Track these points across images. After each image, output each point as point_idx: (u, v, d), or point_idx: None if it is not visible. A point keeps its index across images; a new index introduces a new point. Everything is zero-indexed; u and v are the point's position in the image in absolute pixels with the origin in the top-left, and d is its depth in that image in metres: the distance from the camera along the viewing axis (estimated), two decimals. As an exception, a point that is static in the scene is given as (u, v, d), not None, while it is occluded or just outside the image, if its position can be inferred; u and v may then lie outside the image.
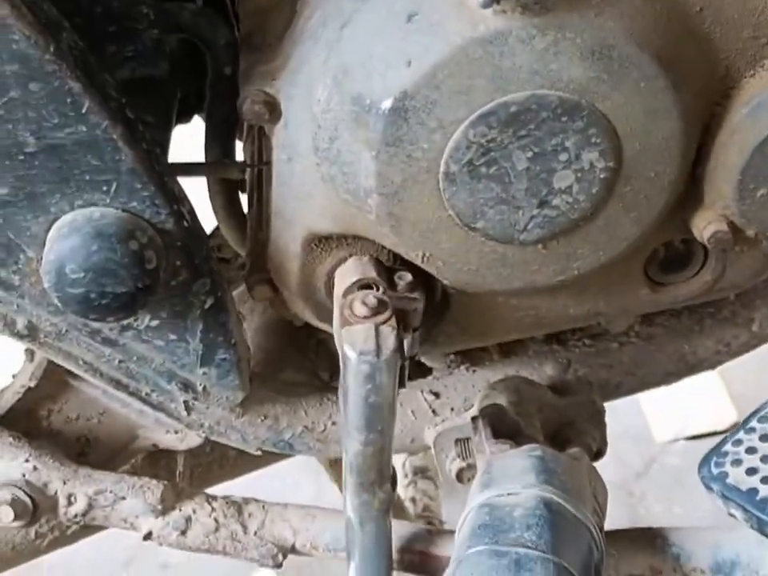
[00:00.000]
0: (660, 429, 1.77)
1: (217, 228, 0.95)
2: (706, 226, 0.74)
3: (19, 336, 0.80)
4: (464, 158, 0.67)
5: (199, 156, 0.87)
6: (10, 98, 0.67)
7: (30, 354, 0.89)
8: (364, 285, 0.75)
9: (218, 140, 0.85)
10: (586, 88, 0.65)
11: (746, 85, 0.69)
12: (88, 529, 0.97)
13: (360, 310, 0.71)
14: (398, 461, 1.40)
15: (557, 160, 0.68)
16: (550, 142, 0.67)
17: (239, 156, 0.87)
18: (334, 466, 1.26)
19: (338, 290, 0.77)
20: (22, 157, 0.70)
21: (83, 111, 0.68)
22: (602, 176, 0.69)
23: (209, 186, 0.91)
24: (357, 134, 0.68)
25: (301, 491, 1.58)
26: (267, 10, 0.80)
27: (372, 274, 0.76)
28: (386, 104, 0.66)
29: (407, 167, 0.68)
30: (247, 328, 0.96)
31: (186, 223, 0.75)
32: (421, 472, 1.42)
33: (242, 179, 0.86)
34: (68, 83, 0.67)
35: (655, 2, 0.65)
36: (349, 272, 0.77)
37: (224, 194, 0.91)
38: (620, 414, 0.93)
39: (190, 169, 0.85)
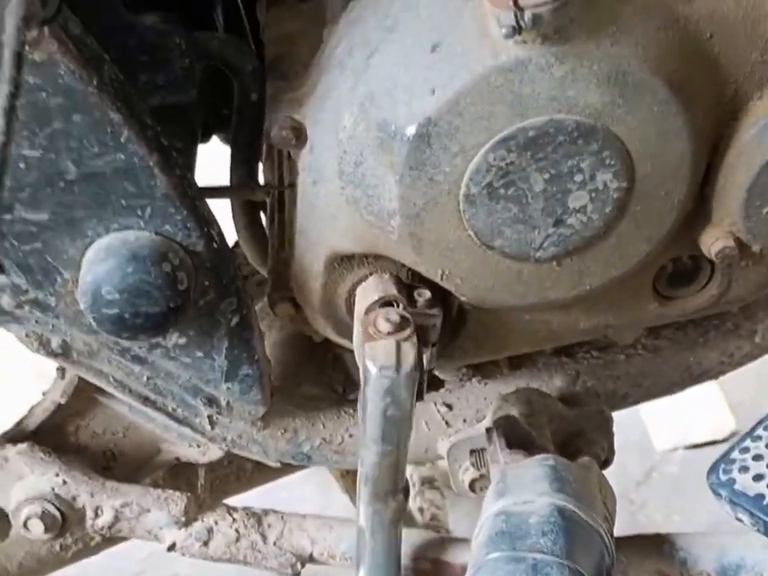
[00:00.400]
0: (660, 438, 1.80)
1: (235, 245, 0.99)
2: (713, 242, 0.78)
3: (53, 355, 0.83)
4: (484, 181, 0.71)
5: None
6: (53, 129, 0.70)
7: (62, 371, 0.92)
8: (386, 302, 0.79)
9: (243, 163, 0.89)
10: (601, 112, 0.69)
11: (753, 107, 0.73)
12: (110, 540, 1.00)
13: (383, 326, 0.74)
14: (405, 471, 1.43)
15: (572, 181, 0.71)
16: (566, 164, 0.71)
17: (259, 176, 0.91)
18: (345, 477, 1.29)
19: (360, 307, 0.80)
20: (62, 184, 0.73)
21: (122, 140, 0.71)
22: (615, 196, 0.72)
23: (232, 206, 0.94)
24: (381, 158, 0.72)
25: (307, 503, 1.61)
26: (293, 36, 0.83)
27: (393, 291, 0.79)
28: (411, 130, 0.70)
29: (429, 190, 0.72)
30: (266, 343, 0.99)
31: (215, 245, 0.79)
32: (428, 482, 1.45)
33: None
34: (109, 114, 0.70)
35: (668, 29, 0.69)
36: (371, 289, 0.81)
37: (246, 215, 0.94)
38: (620, 424, 0.96)
39: (217, 192, 0.88)
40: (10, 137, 0.70)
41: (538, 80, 0.67)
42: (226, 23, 0.94)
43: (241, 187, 0.89)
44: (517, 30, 0.64)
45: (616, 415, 0.97)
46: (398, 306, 0.78)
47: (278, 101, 0.80)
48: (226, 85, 0.88)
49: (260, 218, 0.97)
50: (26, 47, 0.66)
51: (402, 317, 0.75)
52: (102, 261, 0.75)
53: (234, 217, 0.96)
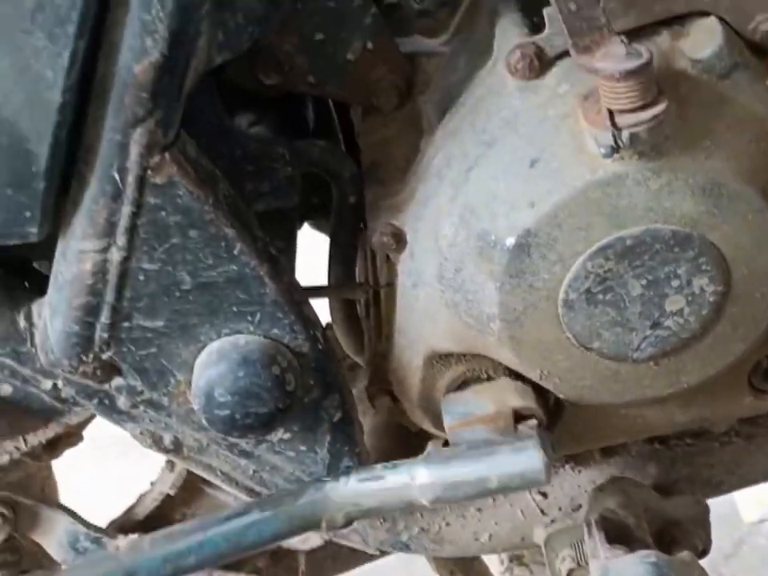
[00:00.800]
0: (748, 510, 1.79)
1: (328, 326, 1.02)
2: (806, 340, 0.79)
3: (165, 451, 0.87)
4: (582, 287, 0.73)
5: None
6: (171, 244, 0.75)
7: (171, 464, 0.96)
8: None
9: (342, 262, 0.93)
10: (697, 221, 0.71)
11: (843, 210, 0.74)
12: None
13: None
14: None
15: (669, 286, 0.73)
16: (663, 270, 0.73)
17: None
18: (438, 559, 1.30)
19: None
20: (178, 294, 0.77)
21: (235, 253, 0.76)
22: (711, 299, 0.74)
23: (329, 300, 0.98)
24: (481, 266, 0.75)
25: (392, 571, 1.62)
26: (388, 142, 0.87)
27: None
28: (510, 241, 0.73)
29: (528, 296, 0.75)
30: (364, 427, 1.02)
31: (320, 346, 0.82)
32: (516, 559, 1.45)
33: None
34: (223, 230, 0.74)
35: (759, 141, 0.71)
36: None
37: (343, 309, 0.98)
38: (708, 497, 0.97)
39: (318, 291, 0.92)
40: (131, 252, 0.75)
41: (635, 193, 0.70)
42: (317, 126, 0.99)
43: (340, 286, 0.93)
44: (615, 148, 0.66)
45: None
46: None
47: (378, 207, 0.83)
48: (317, 178, 0.92)
49: (356, 311, 1.00)
50: (149, 172, 0.71)
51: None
52: (215, 364, 0.79)
53: (330, 309, 1.00)
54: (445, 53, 0.85)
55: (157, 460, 1.00)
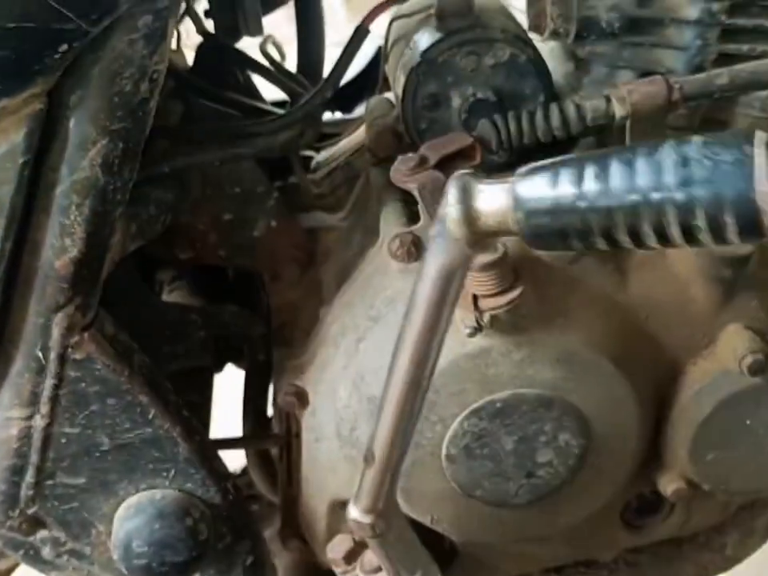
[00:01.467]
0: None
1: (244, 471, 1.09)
2: (668, 483, 0.88)
3: (90, 598, 0.93)
4: (461, 443, 0.82)
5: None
6: (90, 411, 0.82)
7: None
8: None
9: (254, 414, 1.01)
10: (556, 386, 0.81)
11: (689, 371, 0.85)
12: None
13: None
14: None
15: (538, 441, 0.83)
16: (531, 428, 0.82)
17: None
18: None
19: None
20: (98, 454, 0.85)
21: (149, 417, 0.83)
22: (576, 451, 0.83)
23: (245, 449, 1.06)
24: (372, 426, 0.83)
25: None
26: (294, 305, 0.96)
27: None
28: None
29: (416, 452, 0.83)
30: (278, 565, 1.08)
31: (230, 496, 0.90)
32: None
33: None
34: (138, 397, 0.82)
35: (609, 315, 0.81)
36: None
37: (258, 453, 1.06)
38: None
39: (231, 443, 1.00)
40: (54, 419, 0.82)
41: (501, 363, 0.79)
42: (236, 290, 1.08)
43: (252, 437, 1.01)
44: (478, 329, 0.76)
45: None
46: None
47: (283, 367, 0.92)
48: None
49: (270, 455, 1.08)
50: (69, 349, 0.79)
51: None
52: (132, 517, 0.86)
53: (246, 453, 1.08)
54: (342, 228, 0.96)
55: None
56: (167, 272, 1.13)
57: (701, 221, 0.46)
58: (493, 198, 0.53)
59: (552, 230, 0.51)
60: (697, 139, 0.47)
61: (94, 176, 0.72)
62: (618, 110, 0.79)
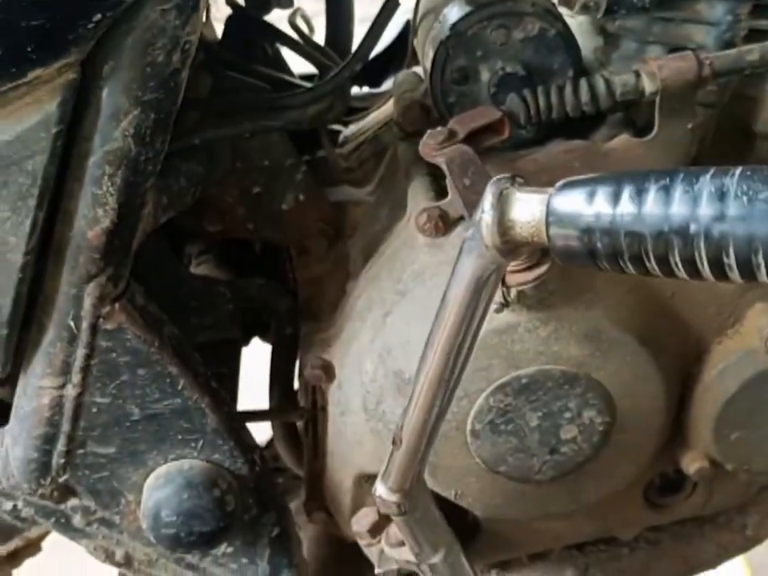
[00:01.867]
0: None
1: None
2: (691, 462, 0.88)
3: (118, 564, 0.94)
4: (486, 419, 0.83)
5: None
6: (121, 381, 0.83)
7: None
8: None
9: (280, 387, 1.02)
10: (582, 363, 0.81)
11: (714, 350, 0.85)
12: None
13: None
14: None
15: (562, 417, 0.83)
16: (556, 404, 0.82)
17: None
18: None
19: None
20: (128, 424, 0.86)
21: (179, 388, 0.84)
22: (600, 428, 0.84)
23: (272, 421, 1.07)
24: (399, 400, 0.84)
25: None
26: (321, 280, 0.97)
27: None
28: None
29: (441, 427, 0.84)
30: (303, 537, 1.09)
31: (257, 468, 0.91)
32: None
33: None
34: (168, 368, 0.83)
35: (635, 292, 0.81)
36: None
37: (284, 426, 1.07)
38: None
39: (258, 416, 1.01)
40: (85, 389, 0.83)
41: (527, 339, 0.80)
42: (262, 258, 1.09)
43: (279, 410, 1.02)
44: (505, 304, 0.76)
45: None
46: None
47: (310, 341, 0.93)
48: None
49: (296, 428, 1.09)
50: (101, 320, 0.80)
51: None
52: (162, 487, 0.88)
53: (272, 426, 1.09)
54: (370, 202, 0.96)
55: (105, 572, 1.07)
56: (195, 245, 1.13)
57: (732, 258, 0.45)
58: (528, 209, 0.53)
59: (583, 249, 0.51)
60: (737, 172, 0.46)
61: (126, 146, 0.73)
62: (648, 86, 0.79)
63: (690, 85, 0.78)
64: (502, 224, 0.51)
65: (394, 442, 0.74)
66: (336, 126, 1.05)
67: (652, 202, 0.46)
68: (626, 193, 0.47)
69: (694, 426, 0.87)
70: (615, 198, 0.47)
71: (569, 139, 0.86)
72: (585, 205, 0.48)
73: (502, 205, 0.51)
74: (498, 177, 0.53)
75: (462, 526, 0.92)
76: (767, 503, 1.05)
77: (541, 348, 0.80)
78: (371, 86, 1.13)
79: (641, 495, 0.94)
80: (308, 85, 1.01)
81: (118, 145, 0.73)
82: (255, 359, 1.14)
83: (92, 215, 0.76)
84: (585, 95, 0.80)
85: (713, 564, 1.07)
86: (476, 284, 0.55)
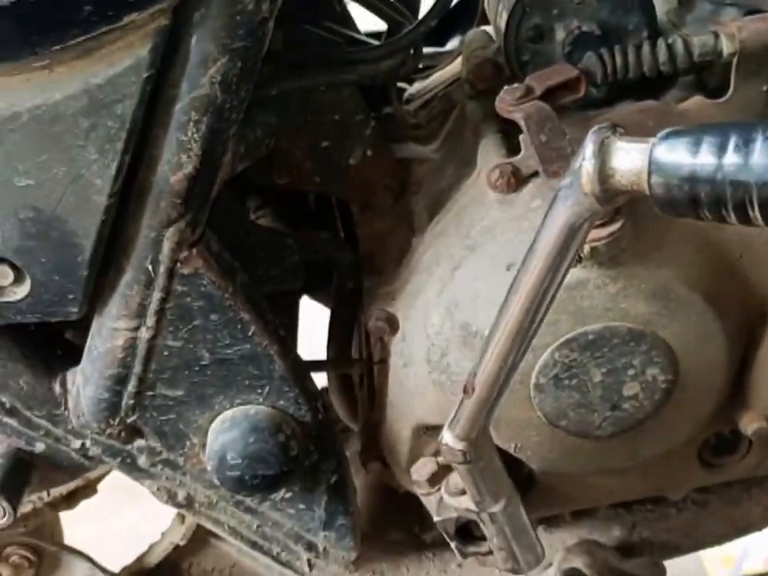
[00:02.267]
0: (714, 567, 1.88)
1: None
2: (749, 423, 0.90)
3: (179, 506, 0.97)
4: (551, 373, 0.84)
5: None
6: (194, 326, 0.85)
7: (182, 516, 1.06)
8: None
9: (340, 339, 1.04)
10: (649, 320, 0.82)
11: (778, 312, 0.86)
12: None
13: None
14: None
15: (626, 374, 0.84)
16: (620, 361, 0.84)
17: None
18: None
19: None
20: (197, 368, 0.88)
21: (249, 334, 0.86)
22: (662, 386, 0.85)
23: (327, 372, 1.09)
24: (464, 352, 0.86)
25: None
26: (383, 235, 0.98)
27: None
28: (487, 335, 0.83)
29: (505, 381, 0.85)
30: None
31: (320, 416, 0.93)
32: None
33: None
34: (240, 314, 0.85)
35: (703, 252, 0.83)
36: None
37: (339, 379, 1.09)
38: (676, 556, 1.08)
39: (317, 366, 1.03)
40: (158, 332, 0.86)
41: (596, 295, 0.81)
42: (318, 215, 1.11)
43: (337, 361, 1.04)
44: (578, 260, 0.78)
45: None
46: None
47: (374, 294, 0.95)
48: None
49: (351, 381, 1.11)
50: (178, 264, 0.82)
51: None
52: (228, 431, 0.90)
53: (328, 379, 1.11)
54: (435, 159, 0.97)
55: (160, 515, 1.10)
56: (253, 200, 1.15)
57: None
58: (630, 158, 0.54)
59: (685, 197, 0.51)
60: None
61: (213, 93, 0.75)
62: (727, 47, 0.80)
63: (768, 47, 0.78)
64: (603, 172, 0.52)
65: (465, 391, 0.75)
66: (401, 84, 1.06)
67: (759, 152, 0.47)
68: (733, 142, 0.48)
69: (754, 387, 0.88)
70: (721, 148, 0.48)
71: (639, 101, 0.87)
72: (689, 154, 0.49)
73: (603, 153, 0.52)
74: (599, 126, 0.54)
75: (517, 478, 0.94)
76: (816, 468, 1.06)
77: (609, 305, 0.81)
78: (435, 45, 1.14)
79: (695, 455, 0.96)
80: (374, 42, 1.02)
81: (205, 91, 0.75)
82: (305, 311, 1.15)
83: (176, 160, 0.77)
84: (663, 55, 0.81)
85: (759, 527, 1.09)
86: (569, 231, 0.57)
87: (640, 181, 0.51)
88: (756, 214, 0.48)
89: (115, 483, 1.11)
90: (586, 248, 0.77)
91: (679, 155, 0.50)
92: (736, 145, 0.48)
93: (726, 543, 1.11)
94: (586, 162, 0.53)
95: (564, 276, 0.64)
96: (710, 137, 0.49)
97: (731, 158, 0.48)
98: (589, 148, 0.53)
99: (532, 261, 0.62)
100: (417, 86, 1.06)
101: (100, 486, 1.16)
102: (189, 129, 0.76)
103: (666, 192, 0.51)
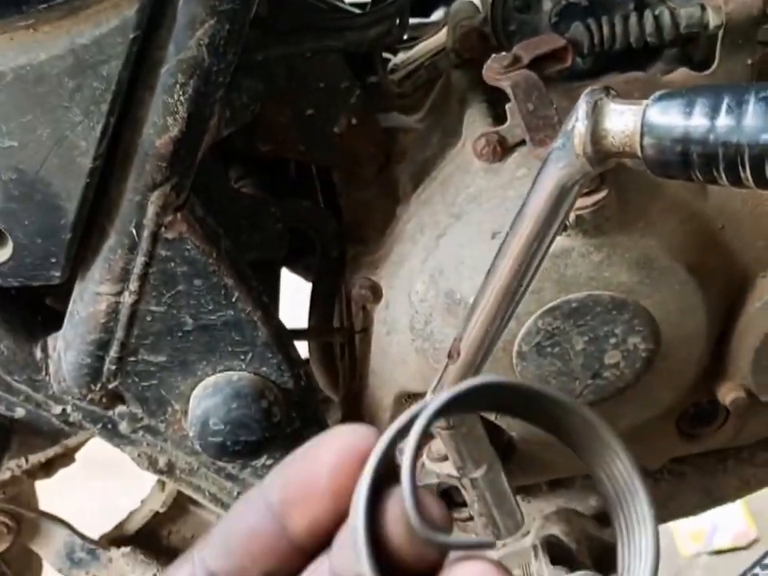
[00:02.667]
0: (685, 544, 1.91)
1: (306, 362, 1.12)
2: (727, 393, 0.91)
3: (160, 472, 0.97)
4: (533, 341, 0.85)
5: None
6: (177, 291, 0.85)
7: (162, 484, 1.06)
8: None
9: (322, 308, 1.04)
10: (631, 289, 0.83)
11: (759, 284, 0.87)
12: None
13: None
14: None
15: (608, 343, 0.85)
16: (602, 329, 0.84)
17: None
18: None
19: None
20: (180, 334, 0.88)
21: (233, 300, 0.86)
22: (643, 355, 0.86)
23: (309, 342, 1.09)
24: (447, 320, 0.86)
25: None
26: (367, 205, 0.98)
27: None
28: (472, 301, 0.84)
29: (488, 347, 0.86)
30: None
31: (302, 383, 0.93)
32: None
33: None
34: (224, 279, 0.85)
35: (686, 223, 0.83)
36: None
37: (321, 349, 1.09)
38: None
39: (299, 334, 1.03)
40: (141, 296, 0.85)
41: (580, 264, 0.82)
42: (299, 184, 1.10)
43: (320, 330, 1.04)
44: (562, 228, 0.78)
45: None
46: None
47: (358, 262, 0.95)
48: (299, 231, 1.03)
49: (332, 351, 1.11)
50: (162, 228, 0.82)
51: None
52: (210, 397, 0.90)
53: (309, 349, 1.11)
54: (420, 128, 0.97)
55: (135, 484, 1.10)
56: (235, 169, 1.14)
57: None
58: (622, 119, 0.54)
59: (677, 159, 0.52)
60: None
61: (200, 56, 0.74)
62: (713, 19, 0.80)
63: (754, 20, 0.79)
64: (596, 133, 0.52)
65: (450, 356, 0.76)
66: (387, 54, 1.05)
67: (751, 114, 0.47)
68: (725, 104, 0.48)
69: (733, 357, 0.89)
70: (714, 109, 0.49)
71: (624, 72, 0.88)
72: (681, 116, 0.50)
73: (596, 114, 0.52)
74: (592, 88, 0.54)
75: (497, 446, 0.94)
76: (790, 441, 1.08)
77: (592, 273, 0.82)
78: (421, 16, 1.14)
79: (674, 424, 0.97)
80: (358, 11, 1.02)
81: (192, 54, 0.74)
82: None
83: (162, 123, 0.77)
84: (649, 26, 0.82)
85: (734, 497, 1.11)
86: (560, 192, 0.57)
87: (632, 142, 0.52)
88: (747, 174, 0.48)
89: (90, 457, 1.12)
90: (572, 216, 0.78)
91: (672, 117, 0.50)
92: (728, 106, 0.48)
93: (701, 514, 1.12)
94: (578, 123, 0.53)
95: (554, 238, 0.64)
96: (703, 99, 0.50)
97: (723, 120, 0.48)
98: (582, 109, 0.53)
99: (522, 223, 0.62)
100: (402, 56, 1.06)
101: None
102: (175, 91, 0.75)
103: (657, 153, 0.51)
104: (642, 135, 0.51)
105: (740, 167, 0.48)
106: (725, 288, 0.87)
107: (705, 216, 0.84)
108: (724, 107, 0.49)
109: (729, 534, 1.91)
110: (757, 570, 0.89)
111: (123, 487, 1.19)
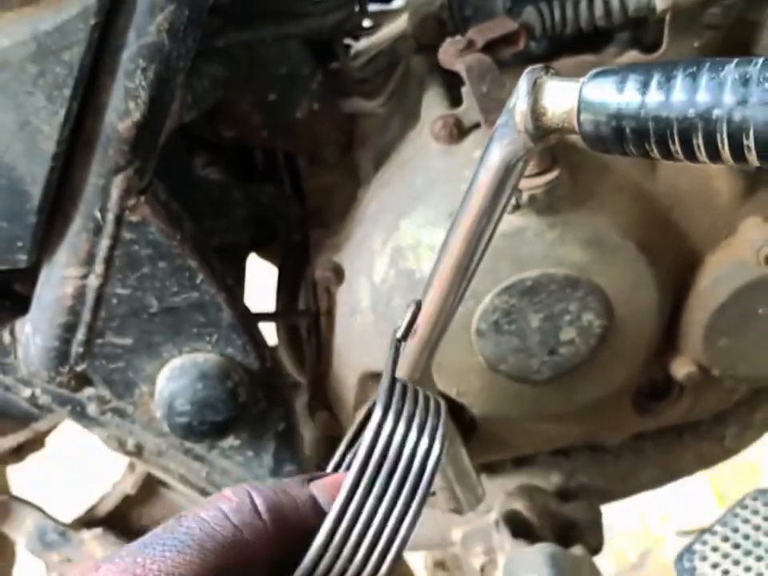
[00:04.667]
0: (654, 524, 1.95)
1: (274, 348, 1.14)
2: (680, 367, 0.94)
3: (129, 453, 0.99)
4: (491, 319, 0.87)
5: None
6: (142, 273, 0.87)
7: (132, 466, 1.07)
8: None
9: (288, 292, 1.06)
10: (584, 267, 0.85)
11: (707, 260, 0.90)
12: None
13: None
14: (419, 556, 1.57)
15: (562, 320, 0.88)
16: (557, 307, 0.87)
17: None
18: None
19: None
20: (145, 316, 0.89)
21: (197, 282, 0.88)
22: (597, 331, 0.89)
23: (276, 325, 1.11)
24: (408, 300, 0.88)
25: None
26: (330, 189, 1.00)
27: None
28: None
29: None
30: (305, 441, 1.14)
31: (267, 364, 0.95)
32: (440, 565, 1.58)
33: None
34: (187, 262, 0.87)
35: (636, 202, 0.86)
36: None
37: (288, 332, 1.11)
38: (618, 511, 1.11)
39: (265, 317, 1.05)
40: (107, 279, 0.87)
41: (534, 242, 0.84)
42: (265, 170, 1.12)
43: (285, 313, 1.06)
44: (517, 206, 0.80)
45: (614, 504, 1.13)
46: None
47: (321, 245, 0.97)
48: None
49: (299, 334, 1.13)
50: (126, 212, 0.84)
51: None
52: (176, 378, 0.92)
53: (276, 332, 1.13)
54: (380, 114, 0.99)
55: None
56: (200, 157, 1.16)
57: (751, 140, 0.49)
58: (560, 96, 0.56)
59: (612, 134, 0.53)
60: (760, 61, 0.49)
61: (161, 41, 0.76)
62: (660, 3, 0.83)
63: (700, 4, 0.82)
64: (536, 110, 0.54)
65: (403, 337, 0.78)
66: (348, 41, 1.07)
67: (679, 89, 0.50)
68: (655, 80, 0.51)
69: (685, 333, 0.92)
70: (644, 85, 0.51)
71: (577, 56, 0.90)
72: (615, 92, 0.52)
73: (535, 92, 0.54)
74: (533, 67, 0.56)
75: (459, 425, 0.97)
76: (745, 416, 1.11)
77: (546, 252, 0.84)
78: (382, 2, 1.16)
79: (629, 400, 0.99)
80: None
81: (153, 39, 0.76)
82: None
83: (123, 108, 0.78)
84: (599, 10, 0.84)
85: (691, 471, 1.14)
86: (505, 169, 0.59)
87: (570, 118, 0.54)
88: (677, 147, 0.51)
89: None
90: (525, 196, 0.80)
91: (606, 93, 0.52)
92: (658, 82, 0.51)
93: (659, 488, 1.15)
94: (519, 100, 0.55)
95: (501, 215, 0.66)
96: (634, 75, 0.52)
97: (653, 95, 0.50)
98: (522, 87, 0.55)
99: (470, 200, 0.64)
100: (363, 43, 1.07)
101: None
102: (136, 76, 0.77)
103: (594, 129, 0.53)
104: (578, 112, 0.53)
105: (669, 141, 0.51)
106: (675, 265, 0.89)
107: (654, 195, 0.86)
108: (654, 83, 0.51)
109: (695, 515, 1.94)
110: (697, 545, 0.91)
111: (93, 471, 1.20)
